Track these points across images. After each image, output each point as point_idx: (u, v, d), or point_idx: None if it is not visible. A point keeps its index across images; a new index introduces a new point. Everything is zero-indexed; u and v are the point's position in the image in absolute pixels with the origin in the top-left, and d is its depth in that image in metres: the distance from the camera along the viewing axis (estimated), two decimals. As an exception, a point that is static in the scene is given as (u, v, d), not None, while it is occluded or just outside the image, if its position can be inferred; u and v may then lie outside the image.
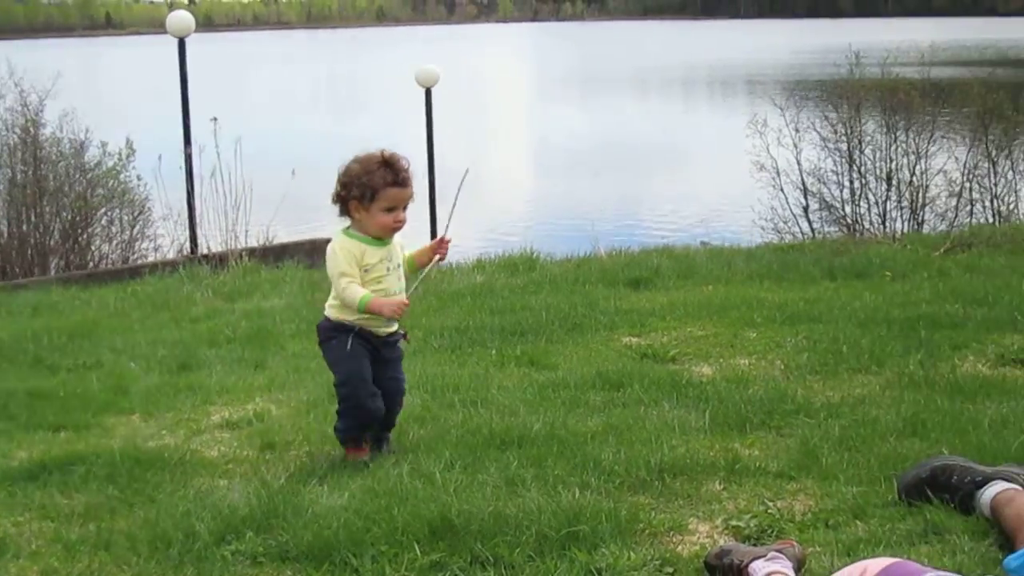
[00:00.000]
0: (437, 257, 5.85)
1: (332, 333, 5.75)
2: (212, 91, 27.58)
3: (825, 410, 6.12)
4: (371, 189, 5.54)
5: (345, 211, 5.66)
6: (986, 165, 16.72)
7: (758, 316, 8.54)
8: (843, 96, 17.26)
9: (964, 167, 16.62)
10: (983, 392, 6.34)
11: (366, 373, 5.73)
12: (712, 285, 10.33)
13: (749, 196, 17.01)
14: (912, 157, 16.64)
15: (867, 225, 16.39)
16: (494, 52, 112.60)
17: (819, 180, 17.03)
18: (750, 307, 8.85)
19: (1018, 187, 16.86)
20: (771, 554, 4.15)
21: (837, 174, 16.97)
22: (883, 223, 16.44)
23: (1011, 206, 16.61)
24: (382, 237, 5.65)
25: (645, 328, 8.50)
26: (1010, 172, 16.78)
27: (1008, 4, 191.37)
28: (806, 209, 16.87)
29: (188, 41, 14.91)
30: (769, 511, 4.83)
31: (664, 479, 5.23)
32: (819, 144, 17.16)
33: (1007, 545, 4.36)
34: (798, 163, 16.83)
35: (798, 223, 16.83)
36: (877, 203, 16.68)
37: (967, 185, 16.62)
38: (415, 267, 5.89)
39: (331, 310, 5.76)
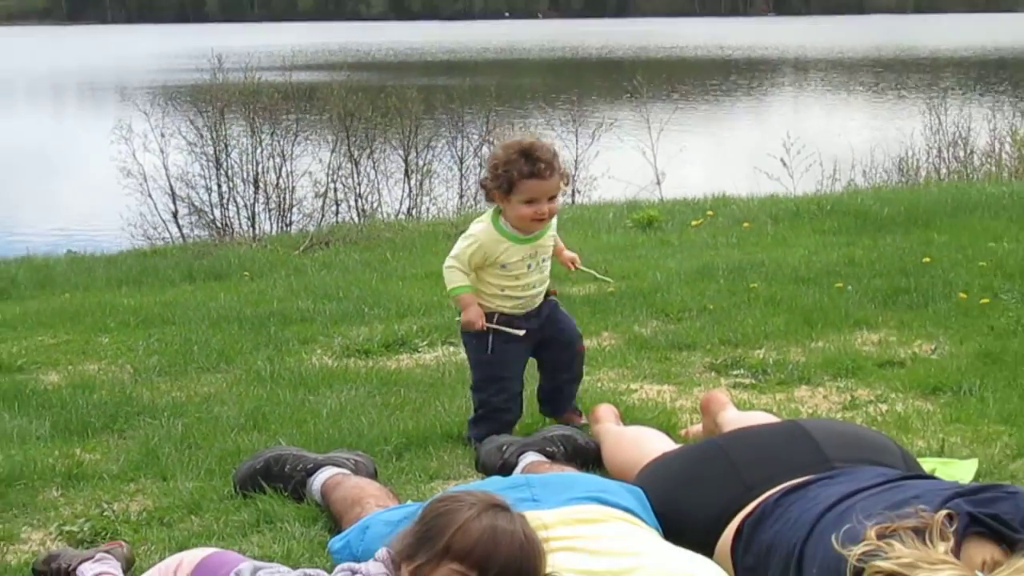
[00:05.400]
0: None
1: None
2: None
3: (170, 410, 6.16)
4: (508, 181, 5.20)
5: (491, 199, 5.36)
6: (349, 166, 17.39)
7: (112, 321, 8.48)
8: (208, 101, 17.48)
9: (329, 168, 17.21)
10: (326, 383, 6.58)
11: (506, 377, 5.53)
12: (70, 293, 10.18)
13: (118, 203, 16.86)
14: (278, 160, 17.09)
15: (237, 228, 16.65)
16: None
17: (188, 185, 17.17)
18: (105, 313, 8.76)
19: (381, 186, 17.63)
20: (99, 555, 4.16)
21: (205, 178, 17.19)
22: (252, 225, 16.76)
23: (375, 204, 17.33)
24: (525, 231, 5.35)
25: (-6, 340, 8.26)
26: (372, 171, 17.53)
27: (370, 9, 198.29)
28: (175, 214, 16.95)
29: None
30: (105, 514, 4.83)
31: (0, 489, 5.14)
32: (186, 149, 17.29)
33: (335, 528, 4.56)
34: (165, 168, 16.90)
35: (168, 228, 16.89)
36: (246, 206, 17.01)
37: (332, 186, 17.23)
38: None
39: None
